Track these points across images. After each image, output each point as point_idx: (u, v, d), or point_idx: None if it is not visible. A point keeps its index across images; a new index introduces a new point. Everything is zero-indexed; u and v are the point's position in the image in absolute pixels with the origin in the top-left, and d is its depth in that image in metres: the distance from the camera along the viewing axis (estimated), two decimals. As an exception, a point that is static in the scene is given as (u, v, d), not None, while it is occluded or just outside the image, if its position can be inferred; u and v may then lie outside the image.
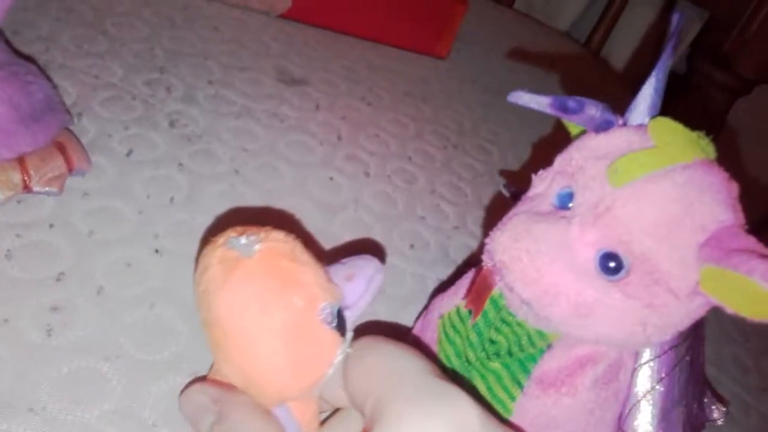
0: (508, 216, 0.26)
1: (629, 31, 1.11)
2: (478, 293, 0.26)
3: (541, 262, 0.24)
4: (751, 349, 0.48)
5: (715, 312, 0.47)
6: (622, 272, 0.23)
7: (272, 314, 0.23)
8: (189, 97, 0.45)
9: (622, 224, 0.23)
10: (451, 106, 0.60)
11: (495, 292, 0.27)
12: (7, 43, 0.38)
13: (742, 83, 0.96)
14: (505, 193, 0.31)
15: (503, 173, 0.52)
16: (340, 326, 0.25)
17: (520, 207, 0.26)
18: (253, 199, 0.40)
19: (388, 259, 0.40)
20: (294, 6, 0.60)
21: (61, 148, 0.35)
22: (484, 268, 0.26)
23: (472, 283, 0.28)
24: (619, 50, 1.12)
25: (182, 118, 0.43)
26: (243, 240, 0.24)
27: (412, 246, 0.42)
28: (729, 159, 0.26)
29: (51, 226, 0.32)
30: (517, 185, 0.32)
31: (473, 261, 0.40)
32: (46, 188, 0.33)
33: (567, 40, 0.99)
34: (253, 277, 0.24)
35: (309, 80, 0.54)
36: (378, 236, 0.42)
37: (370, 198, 0.44)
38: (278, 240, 0.25)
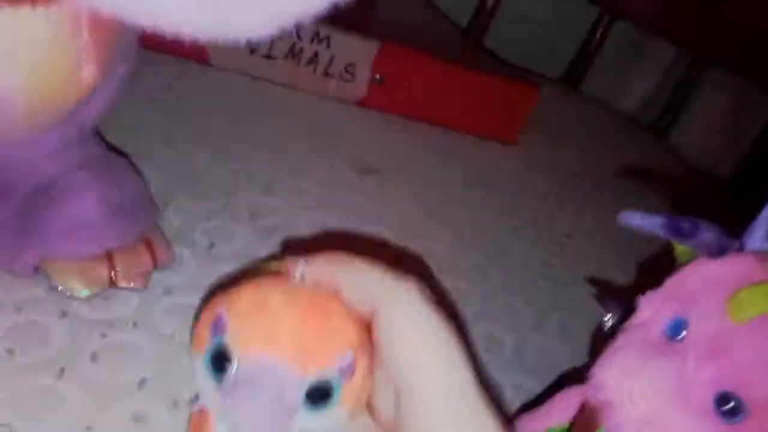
0: (617, 345, 0.24)
1: (699, 116, 1.09)
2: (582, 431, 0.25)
3: (656, 403, 0.22)
4: None
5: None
6: (741, 416, 0.22)
7: None
8: (268, 188, 0.45)
9: (743, 364, 0.22)
10: (523, 196, 0.59)
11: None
12: (97, 133, 0.39)
13: None
14: (604, 315, 0.30)
15: (591, 281, 0.50)
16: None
17: (629, 335, 0.25)
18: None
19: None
20: (369, 94, 0.61)
21: (147, 243, 0.35)
22: (590, 402, 0.24)
23: (576, 418, 0.26)
24: (689, 135, 1.10)
25: (262, 209, 0.43)
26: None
27: (487, 350, 0.41)
28: None
29: (135, 324, 0.32)
30: (614, 299, 0.30)
31: (565, 378, 0.38)
32: (132, 284, 0.33)
33: (634, 125, 0.98)
34: None
35: (383, 169, 0.54)
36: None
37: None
38: None
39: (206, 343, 0.23)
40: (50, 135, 0.31)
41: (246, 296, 0.23)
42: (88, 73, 0.25)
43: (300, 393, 0.22)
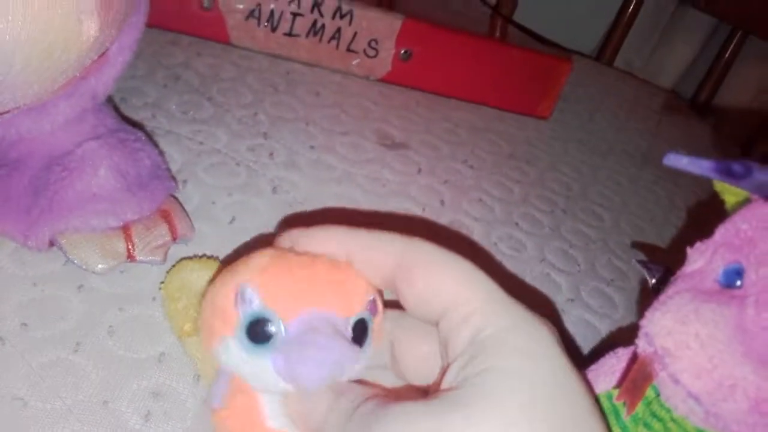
0: (667, 295, 0.22)
1: (738, 88, 1.05)
2: (635, 384, 0.23)
3: (714, 349, 0.20)
4: None
5: None
6: (809, 366, 0.20)
7: None
8: (291, 163, 0.44)
9: (809, 310, 0.20)
10: (557, 168, 0.57)
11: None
12: (115, 109, 0.38)
13: None
14: (649, 278, 0.28)
15: (637, 246, 0.48)
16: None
17: (680, 285, 0.23)
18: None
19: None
20: (393, 70, 0.59)
21: (166, 216, 0.34)
22: (641, 354, 0.22)
23: (627, 371, 0.24)
24: (728, 109, 1.06)
25: (284, 184, 0.42)
26: None
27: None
28: None
29: (153, 299, 0.31)
30: (656, 263, 0.28)
31: (612, 341, 0.36)
32: (150, 257, 0.32)
33: (672, 98, 0.94)
34: None
35: (410, 144, 0.52)
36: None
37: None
38: None
39: (235, 322, 0.22)
40: (62, 103, 0.30)
41: (263, 266, 0.23)
42: (89, 25, 0.24)
43: (349, 333, 0.23)
